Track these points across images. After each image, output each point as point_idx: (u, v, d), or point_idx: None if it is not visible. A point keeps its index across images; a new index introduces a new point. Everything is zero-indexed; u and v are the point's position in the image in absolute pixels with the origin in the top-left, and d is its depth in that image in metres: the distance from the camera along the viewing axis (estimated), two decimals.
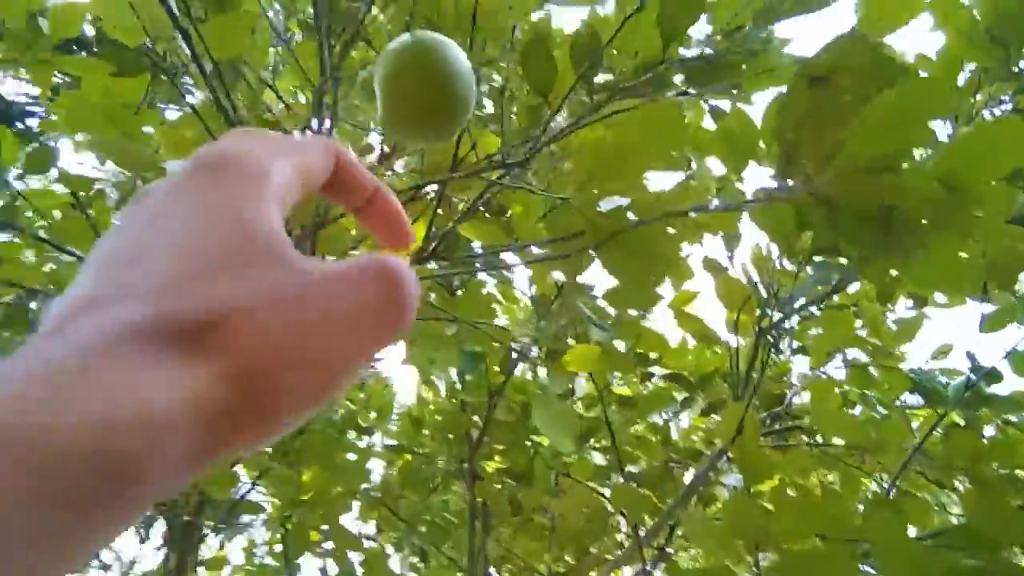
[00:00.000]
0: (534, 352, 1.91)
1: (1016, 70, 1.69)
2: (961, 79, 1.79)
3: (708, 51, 1.19)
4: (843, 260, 1.61)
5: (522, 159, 1.02)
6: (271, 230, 0.24)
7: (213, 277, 0.22)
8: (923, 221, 0.95)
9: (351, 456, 2.16)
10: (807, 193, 0.95)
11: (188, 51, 1.14)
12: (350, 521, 2.56)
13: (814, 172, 0.94)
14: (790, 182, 0.96)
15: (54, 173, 1.69)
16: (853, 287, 2.28)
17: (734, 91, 1.46)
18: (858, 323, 2.09)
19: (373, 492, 2.36)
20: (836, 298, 2.17)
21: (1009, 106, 1.92)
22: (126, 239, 0.25)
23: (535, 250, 1.56)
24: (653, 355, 2.18)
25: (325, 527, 2.15)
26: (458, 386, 2.21)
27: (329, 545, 2.26)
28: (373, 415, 2.60)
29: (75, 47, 2.01)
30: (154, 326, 0.20)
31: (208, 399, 0.20)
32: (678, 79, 1.38)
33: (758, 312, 1.92)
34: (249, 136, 0.28)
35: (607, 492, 2.11)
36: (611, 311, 1.69)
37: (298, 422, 0.23)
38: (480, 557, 2.13)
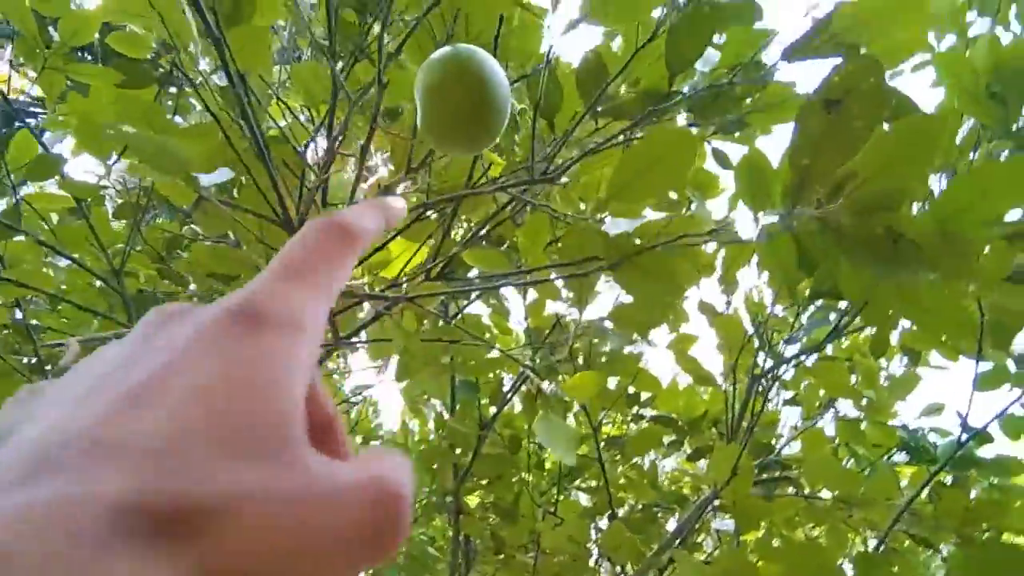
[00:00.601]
0: (528, 383, 1.90)
1: (1014, 128, 1.71)
2: (959, 136, 1.82)
3: (712, 84, 1.20)
4: (841, 305, 1.62)
5: (552, 175, 1.03)
6: (291, 421, 0.22)
7: (216, 459, 0.20)
8: (927, 255, 0.95)
9: None
10: (818, 219, 0.95)
11: (206, 61, 1.14)
12: None
13: (826, 198, 0.94)
14: (801, 209, 0.96)
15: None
16: (846, 343, 2.29)
17: (738, 131, 1.47)
18: (852, 379, 2.09)
19: None
20: (830, 349, 2.17)
21: None
22: (137, 368, 0.22)
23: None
24: (644, 395, 2.17)
25: None
26: (446, 416, 2.19)
27: None
28: (358, 440, 2.58)
29: (84, 54, 2.02)
30: (138, 506, 0.18)
31: None
32: (682, 113, 1.39)
33: (752, 359, 1.91)
34: (282, 273, 0.26)
35: (591, 534, 2.08)
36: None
37: None
38: None
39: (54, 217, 1.67)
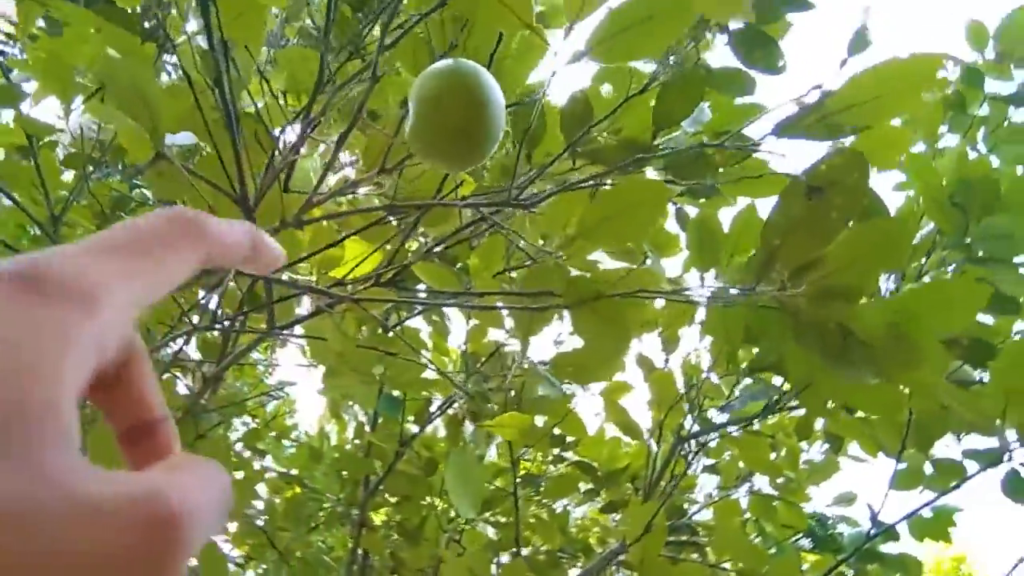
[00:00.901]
0: (457, 407, 1.88)
1: (968, 240, 1.76)
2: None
3: (693, 146, 1.21)
4: (776, 380, 1.63)
5: (528, 202, 1.02)
6: (49, 411, 0.18)
7: None
8: (876, 356, 0.96)
9: (239, 474, 2.07)
10: (778, 300, 0.96)
11: (196, 23, 1.11)
12: (220, 543, 2.44)
13: (790, 281, 0.94)
14: (763, 287, 0.96)
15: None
16: (773, 419, 2.32)
17: (707, 197, 1.48)
18: (773, 456, 2.11)
19: (256, 517, 2.26)
20: (757, 425, 2.20)
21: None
22: None
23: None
24: (569, 438, 2.17)
25: None
26: (367, 428, 2.15)
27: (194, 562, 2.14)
28: (272, 435, 2.52)
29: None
30: None
31: None
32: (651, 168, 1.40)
33: (680, 420, 1.92)
34: (96, 245, 0.22)
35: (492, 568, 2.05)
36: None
37: None
38: None
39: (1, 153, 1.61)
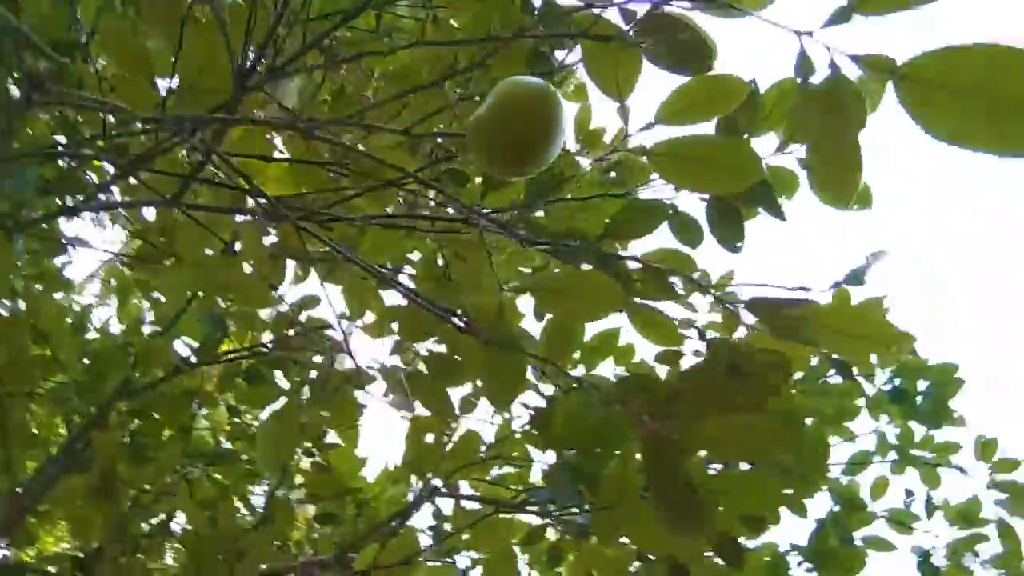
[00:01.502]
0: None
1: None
2: None
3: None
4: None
5: (529, 239, 1.06)
6: None
7: None
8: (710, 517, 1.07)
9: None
10: (656, 436, 1.03)
11: None
12: None
13: (681, 420, 1.02)
14: (646, 418, 1.03)
15: None
16: None
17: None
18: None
19: None
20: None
21: None
22: None
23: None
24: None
25: None
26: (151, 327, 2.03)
27: None
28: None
29: None
30: None
31: None
32: None
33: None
34: None
35: None
36: None
37: None
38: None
39: None
